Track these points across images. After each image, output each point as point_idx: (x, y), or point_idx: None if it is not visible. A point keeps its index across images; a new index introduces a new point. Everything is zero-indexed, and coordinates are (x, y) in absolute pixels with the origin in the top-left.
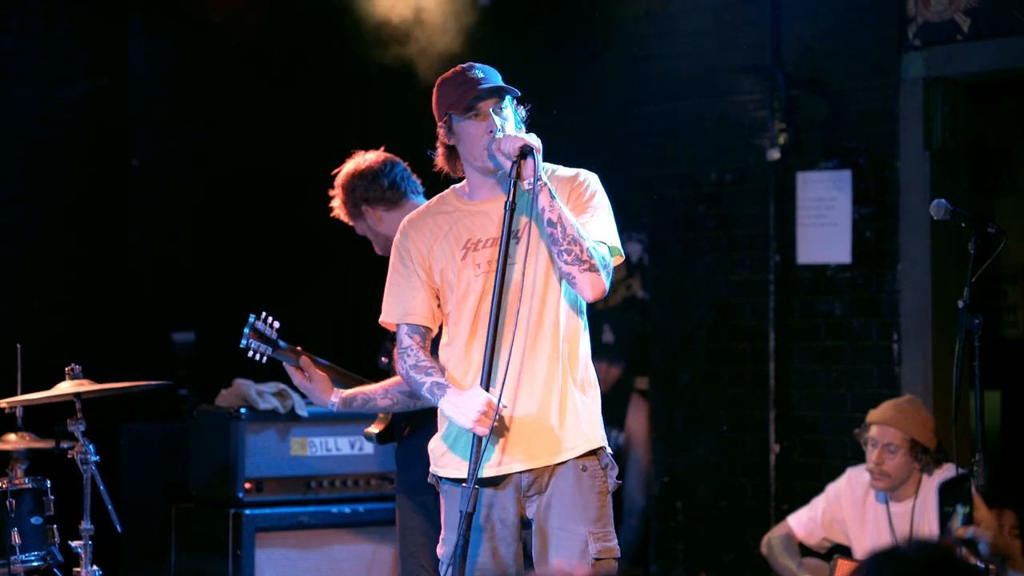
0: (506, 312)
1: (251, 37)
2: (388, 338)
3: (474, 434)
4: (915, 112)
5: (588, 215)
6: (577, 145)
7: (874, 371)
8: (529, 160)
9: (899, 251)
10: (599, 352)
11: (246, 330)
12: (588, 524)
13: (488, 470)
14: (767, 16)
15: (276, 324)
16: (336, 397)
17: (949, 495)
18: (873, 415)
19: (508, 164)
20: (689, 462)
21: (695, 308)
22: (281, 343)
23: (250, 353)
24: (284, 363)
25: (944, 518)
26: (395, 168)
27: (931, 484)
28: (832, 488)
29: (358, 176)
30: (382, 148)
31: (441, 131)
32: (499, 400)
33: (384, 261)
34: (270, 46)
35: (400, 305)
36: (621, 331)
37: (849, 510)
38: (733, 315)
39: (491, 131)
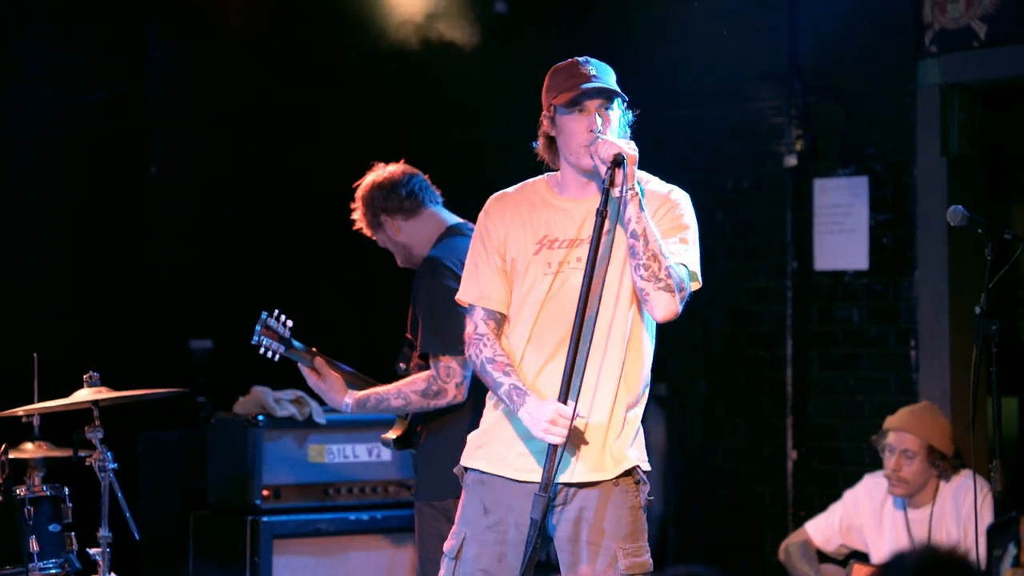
0: (578, 320)
1: (268, 42)
2: (406, 344)
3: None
4: (932, 119)
5: (674, 237)
6: None
7: (891, 377)
8: (621, 169)
9: (916, 258)
10: None
11: (258, 327)
12: (619, 539)
13: (519, 473)
14: (784, 23)
15: (289, 323)
16: (350, 398)
17: (998, 537)
18: (891, 421)
19: (603, 169)
20: (707, 469)
21: (712, 315)
22: (295, 343)
23: (261, 350)
24: (298, 363)
25: (993, 561)
26: (413, 179)
27: (948, 490)
28: (850, 495)
29: (376, 187)
30: (402, 161)
31: (545, 121)
32: (574, 410)
33: (404, 273)
34: (287, 51)
35: (478, 286)
36: None
37: (867, 516)
38: (750, 322)
39: (592, 130)
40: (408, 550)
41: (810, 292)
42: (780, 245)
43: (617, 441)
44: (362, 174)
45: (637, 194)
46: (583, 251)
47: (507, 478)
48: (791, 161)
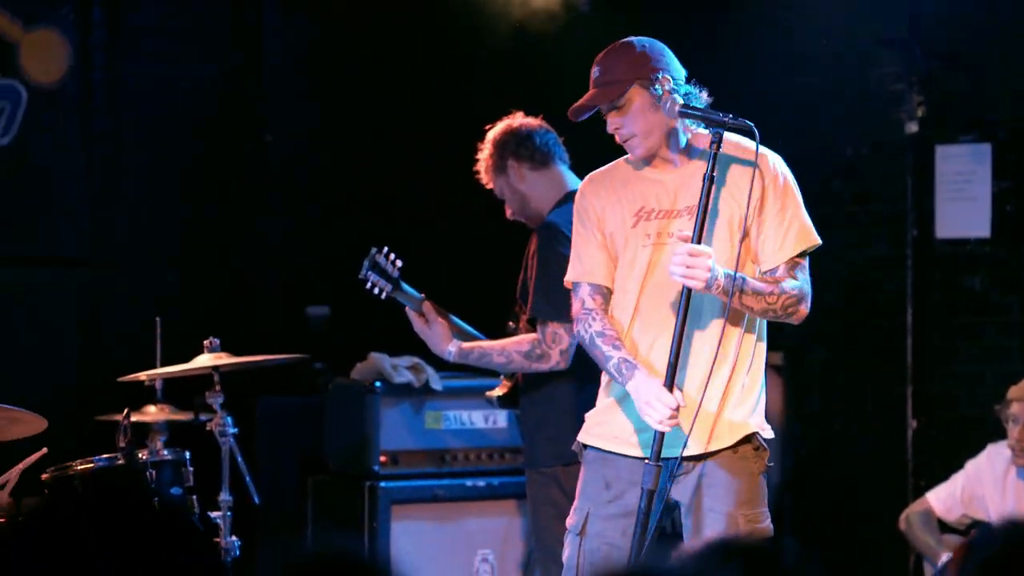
0: (670, 293)
1: (384, 10)
2: (516, 304)
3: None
4: None
5: (784, 222)
6: None
7: (1015, 347)
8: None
9: None
10: None
11: (366, 262)
12: (738, 506)
13: (638, 449)
14: None
15: (399, 263)
16: (454, 347)
17: None
18: (1015, 391)
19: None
20: (824, 437)
21: (831, 283)
22: (404, 285)
23: (368, 285)
24: (406, 306)
25: None
26: (548, 134)
27: None
28: (972, 464)
29: (512, 132)
30: (540, 116)
31: None
32: (677, 401)
33: (514, 227)
34: (402, 19)
35: (581, 263)
36: None
37: (989, 487)
38: (870, 290)
39: (616, 131)
40: (524, 516)
41: (931, 260)
42: (900, 213)
43: (736, 409)
44: (476, 141)
45: (726, 289)
46: (681, 223)
47: (627, 456)
48: (912, 128)
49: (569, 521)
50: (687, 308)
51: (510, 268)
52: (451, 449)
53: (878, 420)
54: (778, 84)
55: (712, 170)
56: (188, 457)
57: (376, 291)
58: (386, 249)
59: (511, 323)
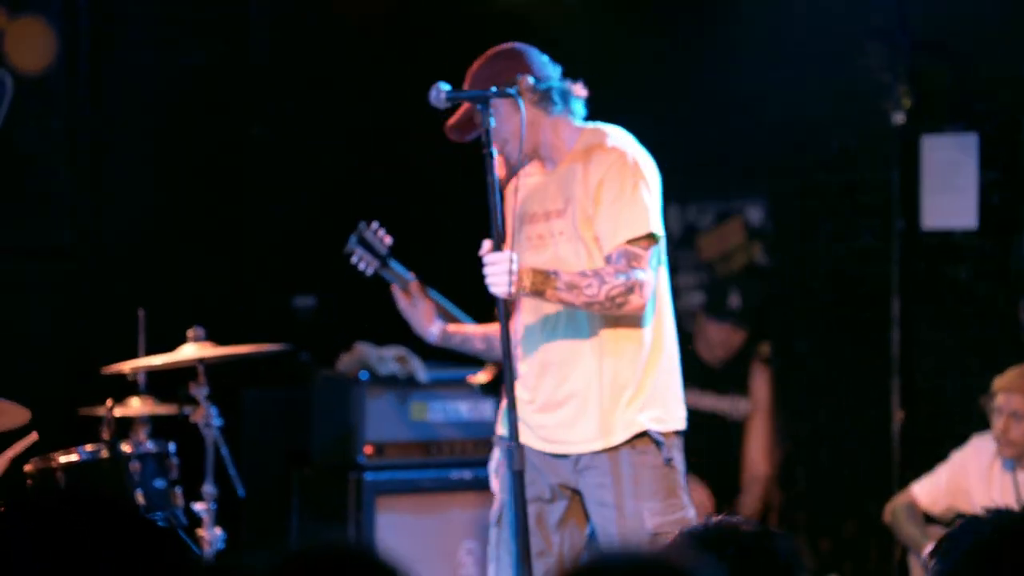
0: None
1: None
2: None
3: (510, 398)
4: None
5: (618, 209)
6: (696, 112)
7: (1001, 338)
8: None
9: None
10: (725, 317)
11: (353, 236)
12: (643, 499)
13: (540, 444)
14: None
15: (388, 240)
16: (437, 328)
17: None
18: (999, 382)
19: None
20: (811, 429)
21: (817, 275)
22: (392, 263)
23: (354, 259)
24: (391, 283)
25: None
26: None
27: None
28: (957, 456)
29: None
30: None
31: None
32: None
33: None
34: (390, 10)
35: None
36: (743, 297)
37: (975, 478)
38: (856, 282)
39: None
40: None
41: (917, 252)
42: (887, 204)
43: (628, 406)
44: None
45: (534, 284)
46: (562, 223)
47: (531, 447)
48: (898, 119)
49: (491, 514)
50: (506, 315)
51: None
52: (436, 440)
53: (864, 412)
54: (764, 75)
55: (488, 147)
56: (173, 449)
57: (363, 266)
58: (375, 224)
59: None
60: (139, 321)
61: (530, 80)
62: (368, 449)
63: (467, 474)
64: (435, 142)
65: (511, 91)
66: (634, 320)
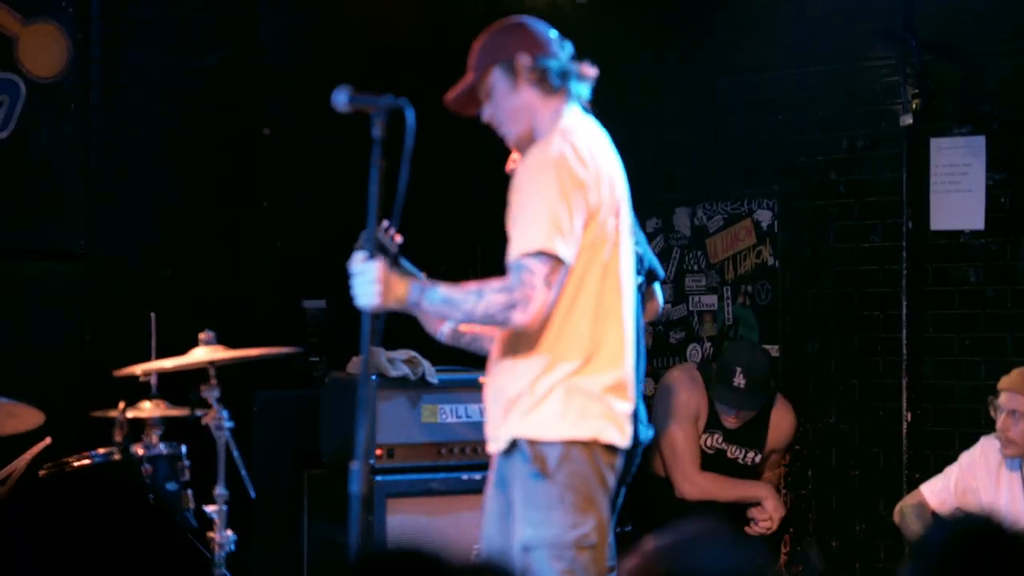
0: None
1: (381, 11)
2: None
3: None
4: None
5: (515, 224)
6: (706, 113)
7: (1008, 339)
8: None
9: None
10: (732, 406)
11: (363, 234)
12: (523, 508)
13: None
14: None
15: (398, 239)
16: (447, 328)
17: None
18: (1003, 382)
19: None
20: (820, 430)
21: (826, 275)
22: (403, 261)
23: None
24: None
25: None
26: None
27: None
28: (966, 456)
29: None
30: None
31: None
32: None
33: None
34: (396, 10)
35: None
36: (751, 298)
37: (983, 479)
38: (864, 282)
39: (489, 120)
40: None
41: (925, 252)
42: (895, 205)
43: (508, 413)
44: (472, 131)
45: (408, 296)
46: None
47: None
48: (907, 120)
49: None
50: (371, 328)
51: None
52: (447, 442)
53: (873, 412)
54: (773, 77)
55: (377, 156)
56: (184, 451)
57: None
58: (385, 223)
59: None
60: (151, 324)
61: (526, 59)
62: (379, 451)
63: (478, 476)
64: (445, 144)
65: (400, 101)
66: (527, 336)
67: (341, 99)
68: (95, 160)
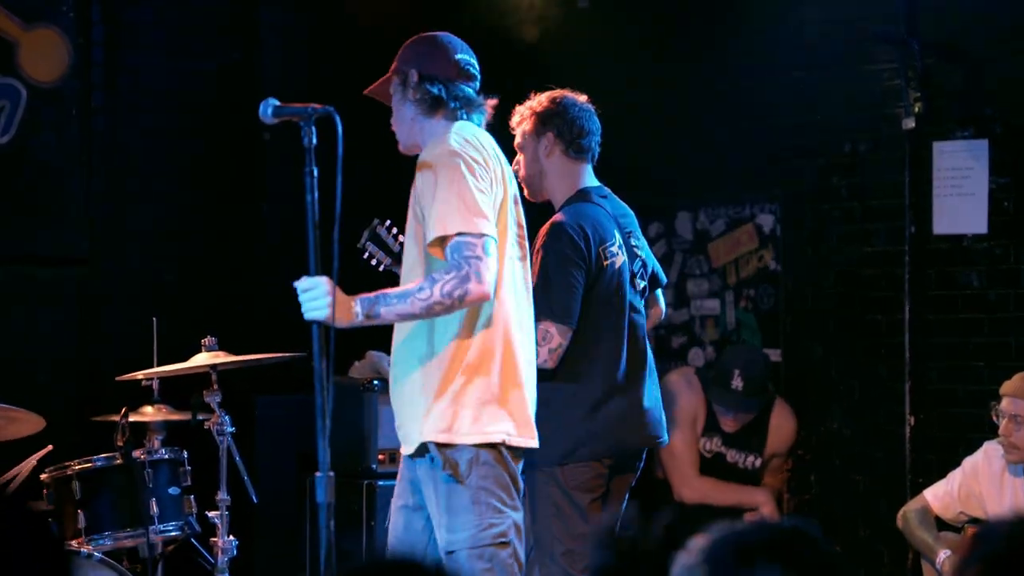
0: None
1: (381, 10)
2: None
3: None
4: None
5: (430, 212)
6: (708, 117)
7: (1012, 343)
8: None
9: None
10: (729, 408)
11: (366, 232)
12: (435, 511)
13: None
14: None
15: (401, 237)
16: None
17: None
18: (1005, 387)
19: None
20: (823, 435)
21: (828, 279)
22: None
23: (366, 255)
24: None
25: None
26: (596, 130)
27: None
28: (969, 462)
29: (574, 105)
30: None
31: None
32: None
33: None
34: (405, 15)
35: None
36: (754, 302)
37: (986, 484)
38: (867, 286)
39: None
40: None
41: (928, 256)
42: (898, 209)
43: (413, 417)
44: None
45: (365, 308)
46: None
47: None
48: (909, 124)
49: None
50: (325, 342)
51: None
52: None
53: (875, 417)
54: (775, 80)
55: (310, 165)
56: (186, 456)
57: (374, 263)
58: (388, 222)
59: None
60: (153, 329)
61: (414, 75)
62: (381, 456)
63: None
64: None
65: (328, 108)
66: (436, 333)
67: (267, 112)
68: (96, 164)
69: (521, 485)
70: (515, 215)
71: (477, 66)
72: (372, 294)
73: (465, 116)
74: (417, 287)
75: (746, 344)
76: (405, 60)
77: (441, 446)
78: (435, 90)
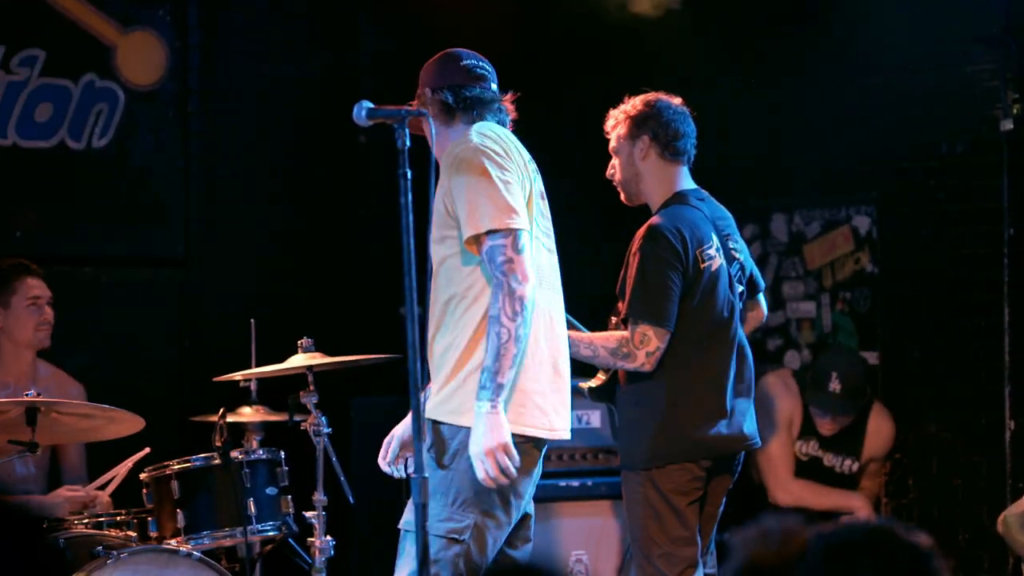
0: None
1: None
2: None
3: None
4: None
5: (463, 212)
6: (803, 118)
7: None
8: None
9: None
10: (827, 410)
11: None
12: (432, 498)
13: None
14: None
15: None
16: None
17: None
18: None
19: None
20: (921, 439)
21: (925, 282)
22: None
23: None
24: None
25: None
26: (691, 133)
27: None
28: None
29: (669, 109)
30: None
31: None
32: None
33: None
34: (507, 25)
35: None
36: (850, 305)
37: None
38: (966, 289)
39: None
40: (618, 518)
41: None
42: (997, 211)
43: (434, 395)
44: (568, 140)
45: (492, 410)
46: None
47: None
48: (1007, 125)
49: None
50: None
51: (615, 262)
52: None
53: (975, 421)
54: (873, 82)
55: (404, 166)
56: (283, 457)
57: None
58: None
59: (614, 317)
60: (251, 330)
61: (427, 93)
62: None
63: (575, 483)
64: (543, 149)
65: (424, 111)
66: (458, 322)
67: (360, 114)
68: (194, 167)
69: (536, 477)
70: (541, 208)
71: (489, 67)
72: (480, 381)
73: (480, 116)
74: (494, 335)
75: (842, 346)
76: (420, 86)
77: (437, 424)
78: (446, 97)
